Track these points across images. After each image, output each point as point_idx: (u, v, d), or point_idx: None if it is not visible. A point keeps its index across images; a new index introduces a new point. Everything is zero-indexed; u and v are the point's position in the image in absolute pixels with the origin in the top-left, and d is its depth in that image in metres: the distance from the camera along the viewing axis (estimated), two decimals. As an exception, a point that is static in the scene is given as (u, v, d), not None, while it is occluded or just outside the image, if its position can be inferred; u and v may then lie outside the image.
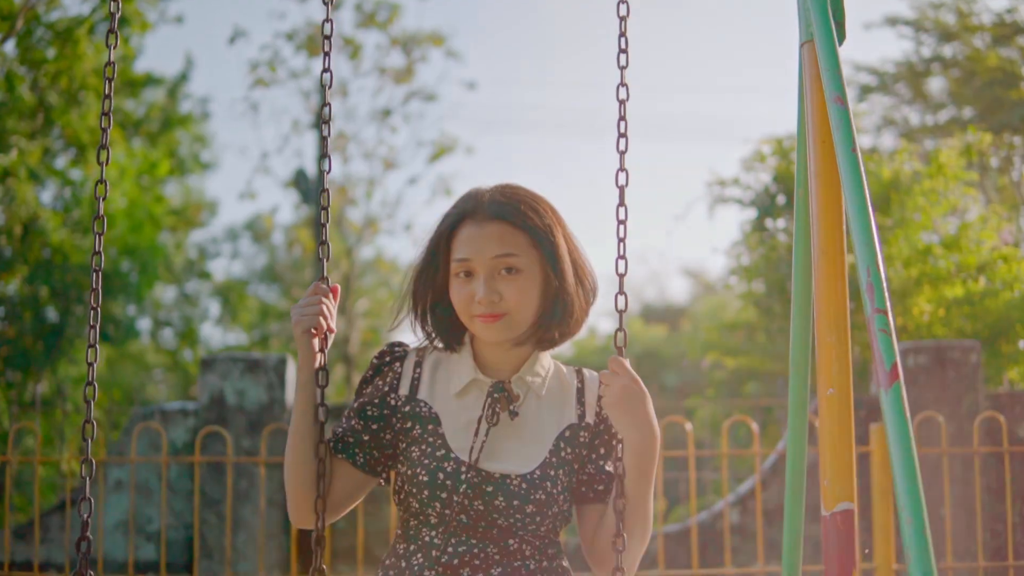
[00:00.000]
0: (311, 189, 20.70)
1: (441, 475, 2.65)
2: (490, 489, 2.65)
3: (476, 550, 2.65)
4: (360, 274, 24.81)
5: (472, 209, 2.76)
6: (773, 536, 8.14)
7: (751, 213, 10.37)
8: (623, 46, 2.87)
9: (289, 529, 8.12)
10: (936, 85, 26.04)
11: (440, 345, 2.85)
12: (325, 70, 2.82)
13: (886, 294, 2.58)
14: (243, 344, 26.64)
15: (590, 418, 2.81)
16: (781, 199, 9.87)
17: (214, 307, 27.33)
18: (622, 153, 2.81)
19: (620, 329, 2.74)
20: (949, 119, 25.61)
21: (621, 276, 2.76)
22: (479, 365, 2.80)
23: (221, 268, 30.31)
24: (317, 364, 2.71)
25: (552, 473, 2.71)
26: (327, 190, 2.79)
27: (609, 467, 2.79)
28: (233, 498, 7.82)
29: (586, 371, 2.89)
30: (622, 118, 2.83)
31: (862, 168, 2.71)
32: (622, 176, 2.80)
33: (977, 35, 25.31)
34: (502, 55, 50.81)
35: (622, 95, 2.84)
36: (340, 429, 2.78)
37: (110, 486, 8.32)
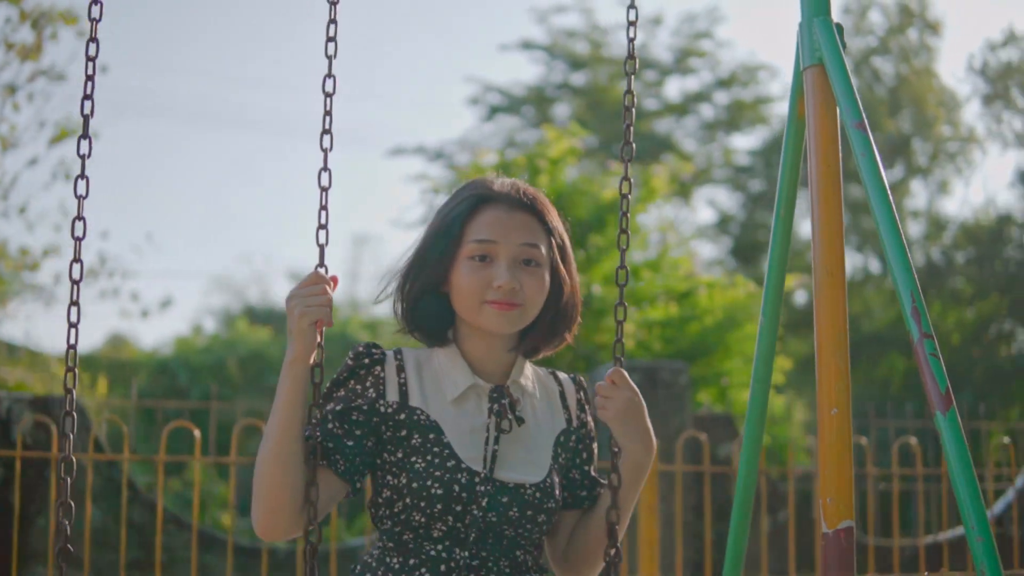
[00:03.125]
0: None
1: (456, 487, 2.49)
2: (505, 500, 2.53)
3: (490, 563, 2.53)
4: (-35, 255, 23.41)
5: (492, 195, 2.61)
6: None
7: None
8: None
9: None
10: (562, 111, 26.97)
11: (422, 339, 2.67)
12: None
13: (929, 319, 2.65)
14: None
15: (575, 422, 2.73)
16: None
17: None
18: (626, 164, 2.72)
19: (619, 340, 2.65)
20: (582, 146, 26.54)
21: (622, 286, 2.66)
22: (470, 365, 2.65)
23: None
24: (313, 360, 2.48)
25: (557, 480, 2.64)
26: (329, 170, 2.55)
27: (594, 472, 2.74)
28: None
29: (559, 373, 2.81)
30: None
31: (890, 195, 2.76)
32: (625, 186, 2.74)
33: (606, 66, 26.40)
34: (137, 39, 49.01)
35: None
36: (317, 434, 2.53)
37: None
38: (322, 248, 2.53)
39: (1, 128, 20.90)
